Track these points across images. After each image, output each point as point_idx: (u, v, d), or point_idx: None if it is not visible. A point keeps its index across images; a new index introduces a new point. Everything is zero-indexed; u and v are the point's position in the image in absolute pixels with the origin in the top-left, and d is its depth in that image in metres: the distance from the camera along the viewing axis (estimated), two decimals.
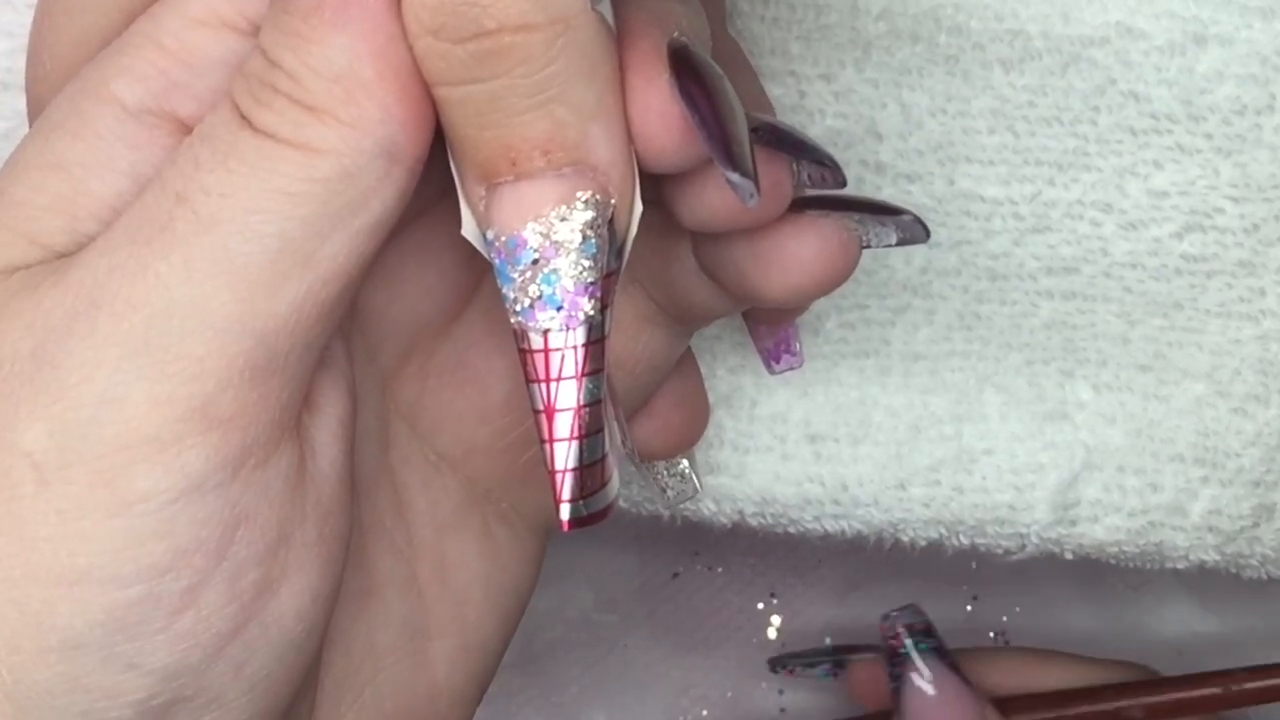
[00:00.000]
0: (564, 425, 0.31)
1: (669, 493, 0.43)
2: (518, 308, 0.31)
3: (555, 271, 0.30)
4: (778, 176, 0.33)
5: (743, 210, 0.32)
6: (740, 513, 0.45)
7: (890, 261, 0.43)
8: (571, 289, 0.31)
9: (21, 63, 0.36)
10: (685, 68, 0.31)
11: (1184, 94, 0.41)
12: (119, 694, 0.30)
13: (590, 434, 0.31)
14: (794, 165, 0.34)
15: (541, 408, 0.31)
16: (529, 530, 0.39)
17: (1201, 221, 0.42)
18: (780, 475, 0.44)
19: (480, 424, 0.37)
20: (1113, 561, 0.45)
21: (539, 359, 0.31)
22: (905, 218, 0.36)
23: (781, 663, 0.54)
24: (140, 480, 0.29)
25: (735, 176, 0.31)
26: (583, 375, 0.31)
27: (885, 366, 0.44)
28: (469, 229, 0.31)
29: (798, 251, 0.34)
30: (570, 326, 0.31)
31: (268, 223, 0.29)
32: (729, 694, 0.56)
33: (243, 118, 0.30)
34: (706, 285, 0.36)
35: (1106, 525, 0.44)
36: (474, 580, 0.38)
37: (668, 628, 0.56)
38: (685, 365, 0.41)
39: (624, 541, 0.56)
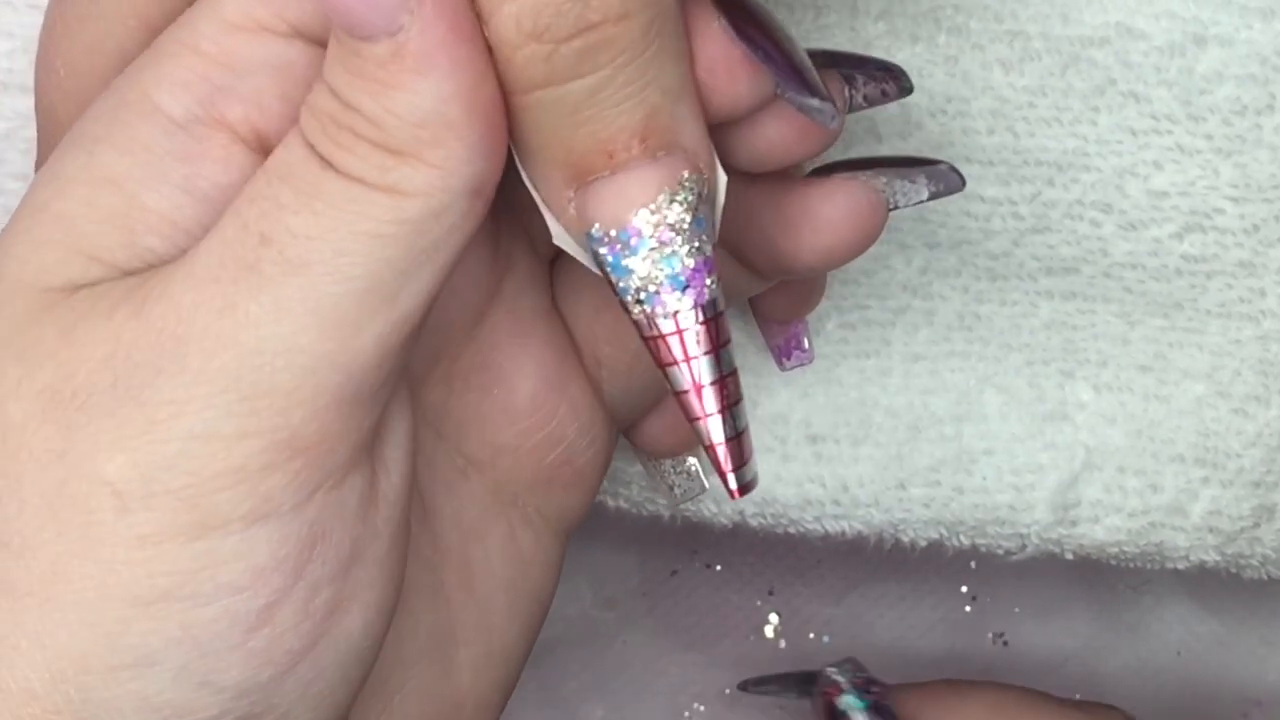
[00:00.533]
0: (712, 399, 0.32)
1: (676, 490, 0.43)
2: (642, 296, 0.31)
3: (675, 254, 0.31)
4: (839, 100, 0.34)
5: (801, 139, 0.33)
6: (741, 513, 0.45)
7: (891, 262, 0.43)
8: (693, 267, 0.31)
9: (21, 63, 0.36)
10: (735, 9, 0.31)
11: (1184, 94, 0.41)
12: (190, 711, 0.30)
13: (735, 402, 0.32)
14: (849, 90, 0.34)
15: (687, 387, 0.32)
16: (552, 534, 0.39)
17: (1201, 222, 0.42)
18: (781, 476, 0.44)
19: (506, 425, 0.37)
20: (1113, 562, 0.45)
21: (674, 341, 0.31)
22: (940, 167, 0.36)
23: (751, 685, 0.54)
24: (223, 506, 0.29)
25: (814, 101, 0.31)
26: (717, 348, 0.32)
27: (885, 367, 0.44)
28: (560, 236, 0.31)
29: (828, 214, 0.35)
30: (699, 303, 0.31)
31: (356, 265, 0.29)
32: (727, 691, 0.56)
33: (323, 159, 0.29)
34: (728, 263, 0.36)
35: (1107, 526, 0.44)
36: (499, 586, 0.38)
37: (667, 625, 0.56)
38: None
39: (623, 540, 0.56)
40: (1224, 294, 0.43)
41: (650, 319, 0.31)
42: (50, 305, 0.31)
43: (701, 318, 0.31)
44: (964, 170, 0.42)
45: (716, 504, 0.45)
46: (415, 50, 0.29)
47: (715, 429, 0.32)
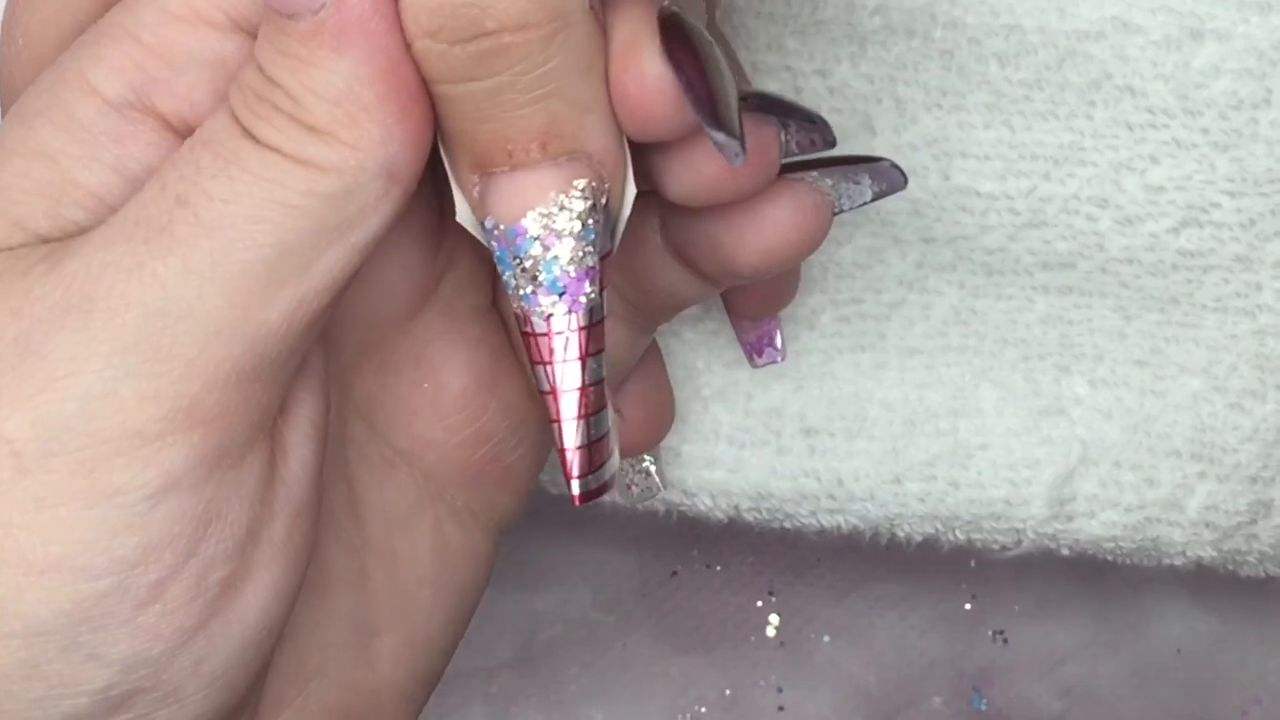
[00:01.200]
0: (570, 405, 0.32)
1: (633, 489, 0.43)
2: (521, 293, 0.32)
3: (556, 258, 0.31)
4: (765, 141, 0.33)
5: (732, 178, 0.33)
6: (736, 508, 0.45)
7: (886, 257, 0.43)
8: (573, 274, 0.31)
9: None
10: (675, 34, 0.31)
11: (1180, 89, 0.41)
12: (77, 683, 0.30)
13: (595, 412, 0.32)
14: (782, 134, 0.34)
15: (548, 389, 0.32)
16: (481, 530, 0.39)
17: (1198, 216, 0.42)
18: (776, 470, 0.44)
19: (436, 420, 0.38)
20: (1109, 557, 0.45)
21: (543, 342, 0.32)
22: (881, 164, 0.36)
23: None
24: (119, 473, 0.29)
25: (721, 136, 0.31)
26: (586, 356, 0.32)
27: (881, 361, 0.44)
28: (464, 215, 0.32)
29: (772, 214, 0.35)
30: (573, 310, 0.32)
31: (268, 233, 0.30)
32: (728, 692, 0.56)
33: (244, 129, 0.30)
34: (673, 269, 0.37)
35: (1103, 521, 0.44)
36: (423, 578, 0.38)
37: (666, 626, 0.56)
38: (650, 363, 0.41)
39: (623, 541, 0.56)
40: (1220, 289, 0.43)
41: (524, 315, 0.32)
42: None
43: (574, 325, 0.32)
44: (960, 165, 0.42)
45: (712, 499, 0.45)
46: (333, 27, 0.29)
47: (569, 434, 0.32)
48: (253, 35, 0.32)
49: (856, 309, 0.44)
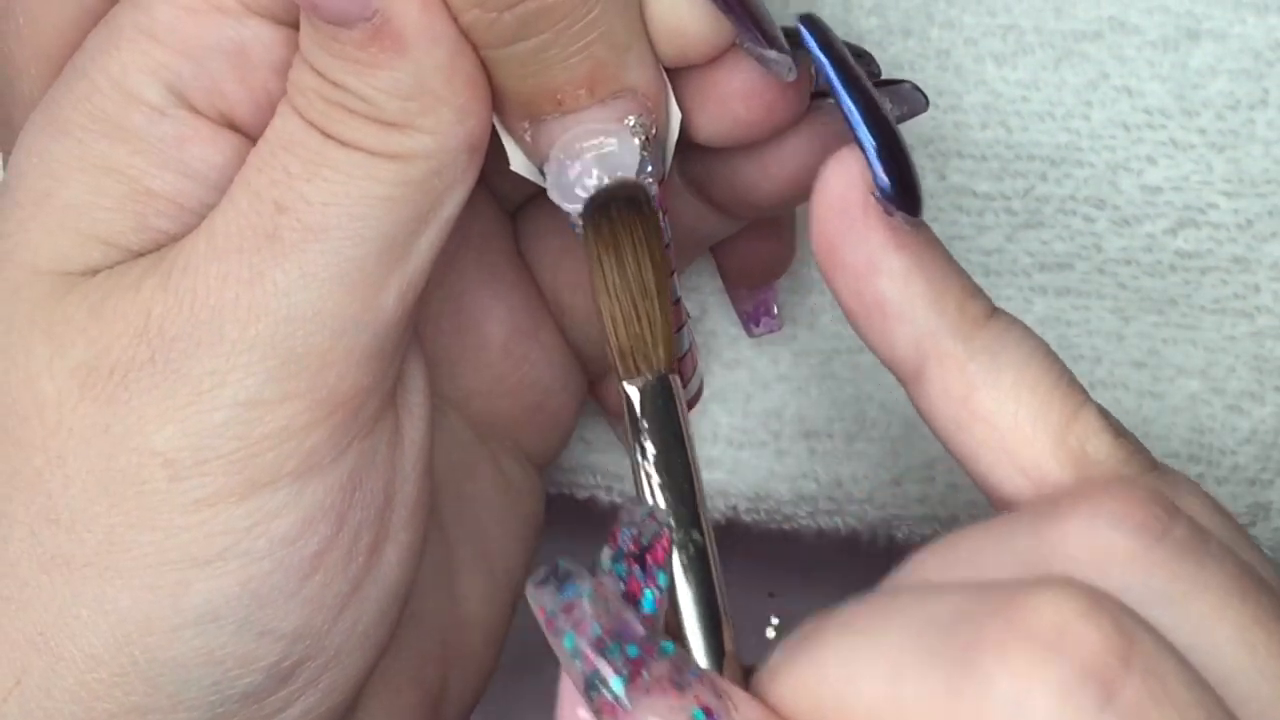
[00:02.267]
0: None
1: None
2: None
3: None
4: (802, 67, 0.34)
5: (766, 113, 0.33)
6: (734, 509, 0.45)
7: None
8: None
9: None
10: None
11: (1177, 89, 0.41)
12: (251, 660, 0.31)
13: (677, 330, 0.33)
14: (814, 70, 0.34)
15: None
16: (534, 467, 0.40)
17: (1195, 217, 0.42)
18: (775, 471, 0.44)
19: (480, 369, 0.39)
20: None
21: None
22: (902, 86, 0.36)
23: None
24: (270, 465, 0.31)
25: (772, 53, 0.32)
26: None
27: (880, 363, 0.44)
28: (518, 162, 0.33)
29: (792, 142, 0.35)
30: None
31: (370, 226, 0.31)
32: None
33: (322, 131, 0.31)
34: (691, 205, 0.37)
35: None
36: (492, 515, 0.39)
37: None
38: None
39: None
40: (1218, 290, 0.43)
41: None
42: (73, 286, 0.32)
43: None
44: (956, 165, 0.42)
45: (710, 500, 0.45)
46: (391, 32, 0.30)
47: None
48: (269, 18, 0.32)
49: None
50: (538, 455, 0.40)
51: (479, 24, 0.30)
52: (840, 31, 0.41)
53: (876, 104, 0.31)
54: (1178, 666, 0.25)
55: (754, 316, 0.43)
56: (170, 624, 0.31)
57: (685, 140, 0.35)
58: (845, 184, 0.31)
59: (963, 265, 0.43)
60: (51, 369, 0.31)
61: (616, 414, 0.42)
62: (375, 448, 0.32)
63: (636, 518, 0.30)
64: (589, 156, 0.32)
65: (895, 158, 0.31)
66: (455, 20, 0.30)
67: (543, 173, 0.33)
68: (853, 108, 0.31)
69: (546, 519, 0.45)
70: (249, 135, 0.32)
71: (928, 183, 0.42)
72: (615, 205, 0.32)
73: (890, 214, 0.31)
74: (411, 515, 0.34)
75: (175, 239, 0.32)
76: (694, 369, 0.34)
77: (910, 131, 0.42)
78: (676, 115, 0.33)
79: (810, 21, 0.32)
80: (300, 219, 0.30)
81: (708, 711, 0.27)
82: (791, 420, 0.44)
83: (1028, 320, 0.43)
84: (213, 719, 0.32)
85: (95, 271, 0.32)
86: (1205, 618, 0.27)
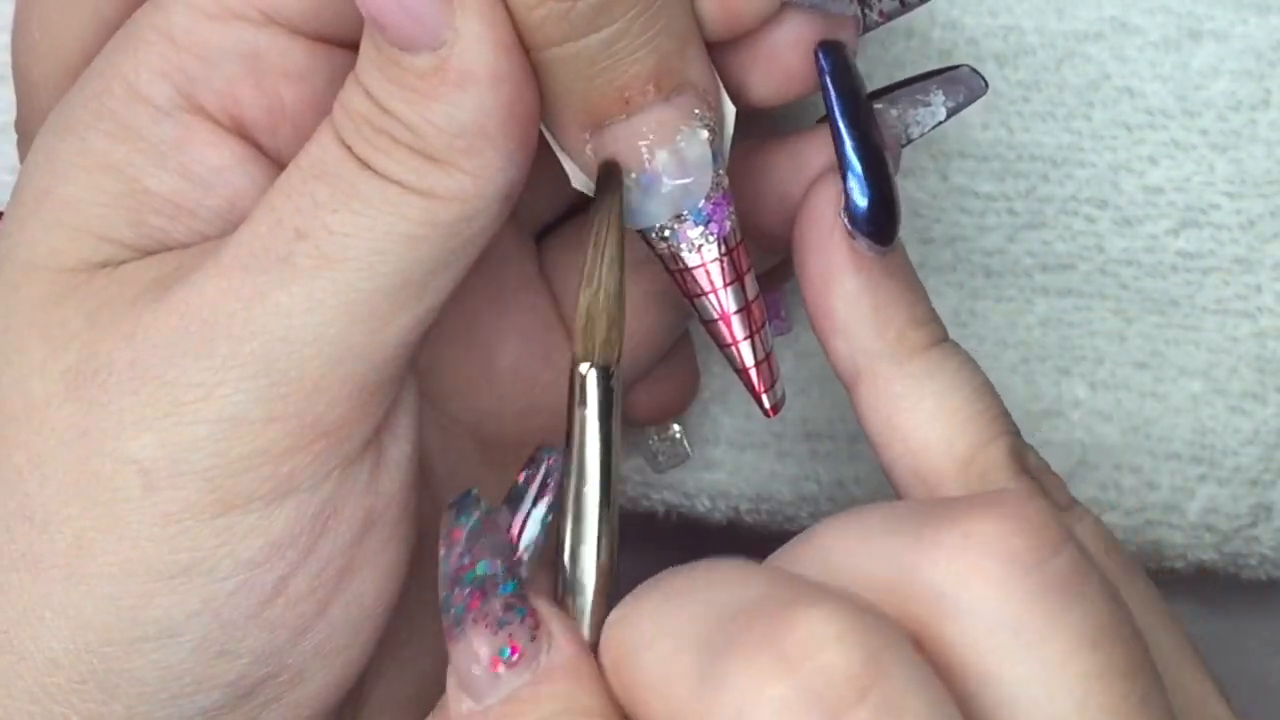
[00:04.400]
0: (741, 325, 0.33)
1: (660, 458, 0.43)
2: (666, 233, 0.32)
3: (695, 190, 0.32)
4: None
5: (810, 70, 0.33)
6: (736, 510, 0.45)
7: None
8: (713, 201, 0.32)
9: None
10: None
11: (1179, 89, 0.41)
12: (210, 678, 0.31)
13: (762, 327, 0.34)
14: (863, 9, 0.34)
15: (716, 316, 0.33)
16: None
17: (1197, 218, 0.42)
18: (776, 473, 0.44)
19: (489, 391, 0.38)
20: None
21: (699, 273, 0.33)
22: (959, 71, 0.36)
23: None
24: (245, 487, 0.30)
25: None
26: (743, 275, 0.33)
27: None
28: (579, 180, 0.32)
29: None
30: (720, 235, 0.32)
31: (389, 263, 0.30)
32: None
33: (360, 160, 0.30)
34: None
35: (1103, 523, 0.44)
36: None
37: None
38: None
39: (624, 546, 0.56)
40: (1220, 290, 0.43)
41: (675, 254, 0.33)
42: (72, 288, 0.31)
43: (724, 249, 0.33)
44: (958, 165, 0.42)
45: (711, 501, 0.45)
46: (458, 66, 0.29)
47: (747, 353, 0.34)
48: (287, 27, 0.32)
49: None
50: None
51: (552, 16, 0.29)
52: None
53: (875, 139, 0.32)
54: (925, 706, 0.25)
55: None
56: (129, 636, 0.31)
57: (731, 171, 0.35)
58: (825, 199, 0.33)
59: (964, 266, 0.43)
60: (44, 371, 0.31)
61: (634, 421, 0.42)
62: (357, 476, 0.32)
63: (540, 458, 0.31)
64: (663, 156, 0.31)
65: (879, 189, 0.32)
66: (521, 32, 0.30)
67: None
68: (845, 134, 0.32)
69: None
70: (258, 141, 0.32)
71: (929, 183, 0.42)
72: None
73: (853, 237, 0.32)
74: (392, 535, 0.33)
75: (171, 237, 0.32)
76: (779, 373, 0.34)
77: None
78: (731, 110, 0.33)
79: (829, 50, 0.32)
80: (318, 246, 0.30)
81: (514, 649, 0.29)
82: (793, 422, 0.44)
83: (1030, 320, 0.43)
84: None
85: (93, 269, 0.32)
86: (1049, 660, 0.26)
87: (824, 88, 0.32)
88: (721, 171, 0.32)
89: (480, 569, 0.30)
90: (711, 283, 0.33)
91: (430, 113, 0.29)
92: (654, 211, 0.32)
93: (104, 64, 0.32)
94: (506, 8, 0.29)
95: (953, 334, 0.44)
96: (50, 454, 0.31)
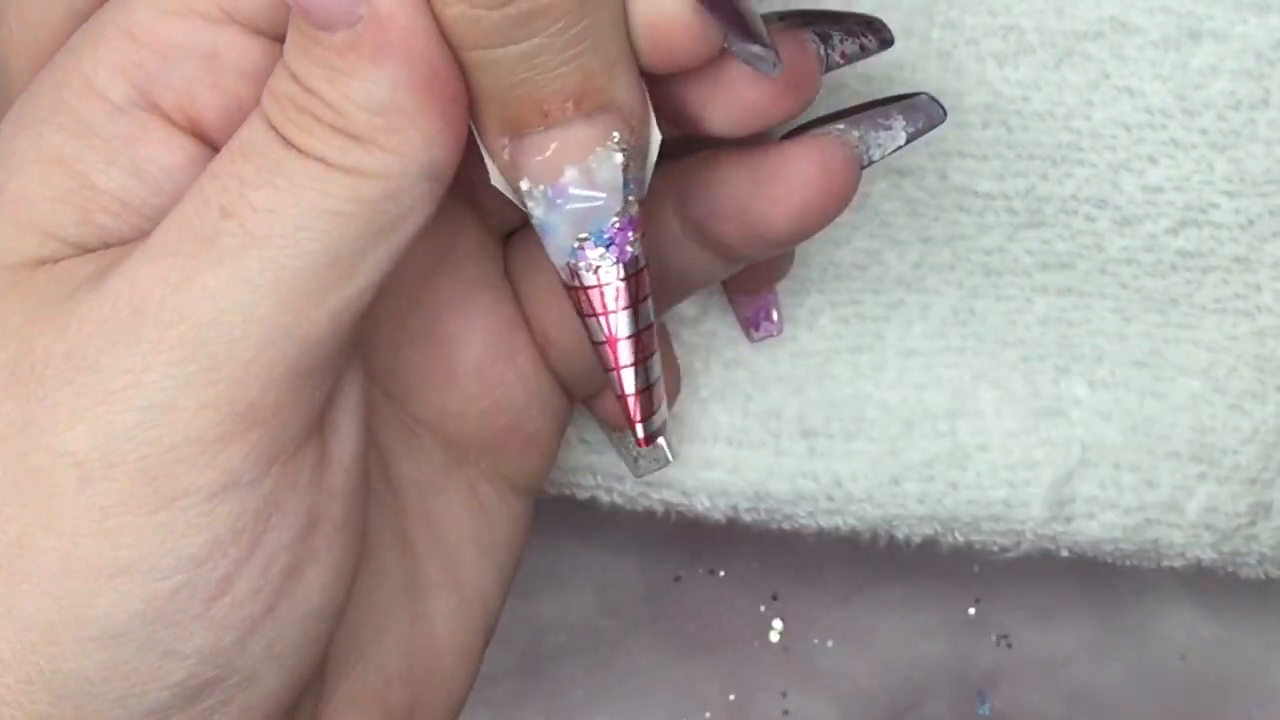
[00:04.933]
0: (626, 352, 0.33)
1: (640, 461, 0.43)
2: (566, 249, 0.32)
3: (600, 211, 0.32)
4: (799, 49, 0.34)
5: (776, 96, 0.33)
6: (734, 508, 0.45)
7: (884, 257, 0.43)
8: (618, 225, 0.32)
9: None
10: None
11: (1178, 89, 0.41)
12: (157, 678, 0.31)
13: (648, 357, 0.34)
14: (822, 48, 0.34)
15: (603, 339, 0.33)
16: (513, 492, 0.39)
17: (1196, 217, 0.42)
18: (774, 471, 0.44)
19: (452, 390, 0.38)
20: (1108, 559, 0.45)
21: (594, 294, 0.33)
22: (918, 99, 0.36)
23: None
24: (181, 478, 0.30)
25: (754, 48, 0.31)
26: (635, 303, 0.33)
27: (879, 362, 0.44)
28: (497, 179, 0.32)
29: (802, 169, 0.35)
30: (620, 260, 0.32)
31: (315, 239, 0.30)
32: (731, 697, 0.56)
33: (285, 139, 0.30)
34: (690, 250, 0.37)
35: (1102, 522, 0.44)
36: (464, 538, 0.38)
37: (670, 631, 0.56)
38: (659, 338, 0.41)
39: (625, 546, 0.56)
40: (1219, 289, 0.43)
41: (573, 271, 0.32)
42: (14, 284, 0.31)
43: (622, 274, 0.33)
44: (958, 164, 0.42)
45: (710, 499, 0.45)
46: (371, 41, 0.29)
47: (628, 380, 0.33)
48: (248, 27, 0.32)
49: (855, 310, 0.44)
50: (519, 479, 0.39)
51: (463, 20, 0.30)
52: None
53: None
54: None
55: (754, 322, 0.43)
56: (74, 636, 0.30)
57: (688, 178, 0.35)
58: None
59: (964, 265, 0.43)
60: None
61: (612, 424, 0.42)
62: (299, 471, 0.32)
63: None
64: (572, 174, 0.32)
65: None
66: (440, 29, 0.30)
67: (518, 190, 0.32)
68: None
69: (547, 520, 0.45)
70: (214, 141, 0.32)
71: (928, 182, 0.42)
72: None
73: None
74: (337, 534, 0.33)
75: (116, 235, 0.32)
76: (660, 402, 0.34)
77: None
78: (657, 138, 0.33)
79: None
80: (243, 225, 0.30)
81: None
82: (791, 420, 0.44)
83: (1029, 319, 0.44)
84: None
85: (36, 264, 0.32)
86: None
87: None
88: (632, 199, 0.32)
89: None
90: (604, 305, 0.33)
91: (349, 90, 0.30)
92: (557, 226, 0.32)
93: (65, 57, 0.32)
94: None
95: (952, 333, 0.44)
96: None
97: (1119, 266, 0.43)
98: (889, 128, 0.36)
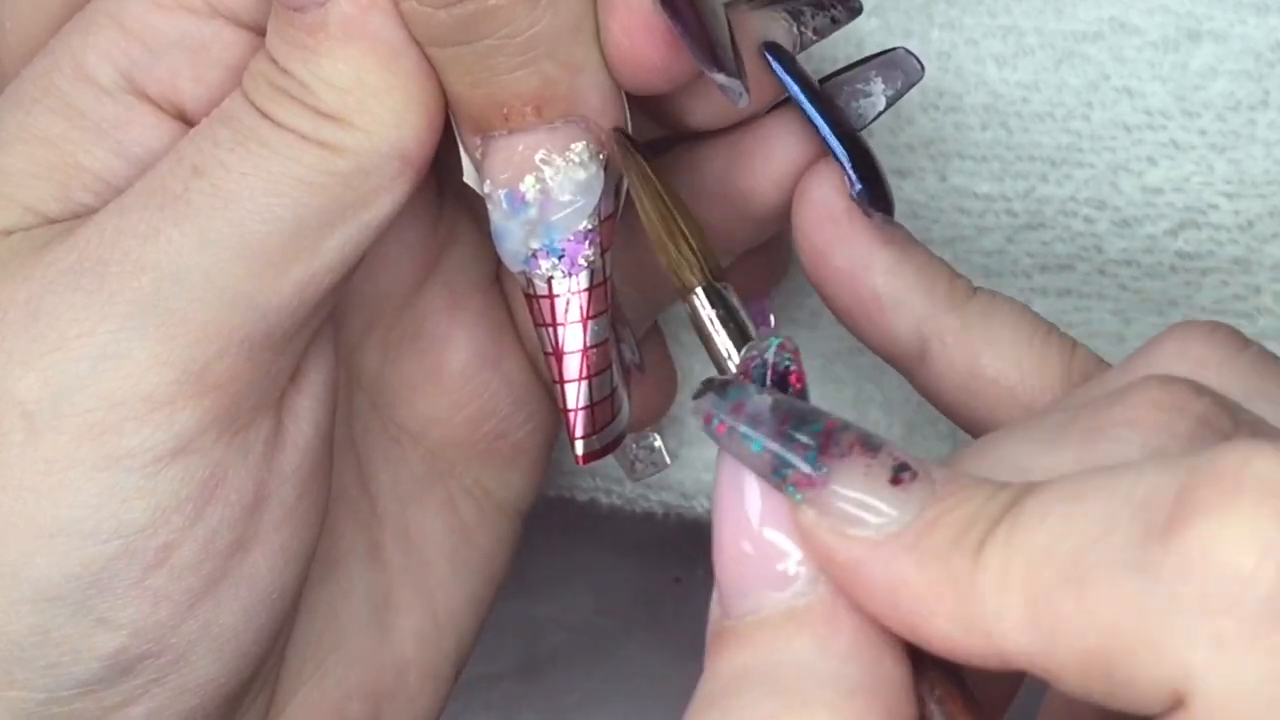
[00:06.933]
0: (573, 367, 0.33)
1: (638, 465, 0.43)
2: (521, 257, 0.32)
3: (554, 222, 0.32)
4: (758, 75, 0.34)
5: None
6: None
7: None
8: (571, 237, 0.32)
9: None
10: None
11: (1178, 90, 0.41)
12: (88, 648, 0.31)
13: (598, 373, 0.33)
14: (796, 27, 0.35)
15: (551, 350, 0.33)
16: (496, 508, 0.39)
17: (1196, 218, 0.42)
18: None
19: (438, 396, 0.38)
20: None
21: (545, 304, 0.32)
22: (894, 54, 0.36)
23: None
24: (129, 437, 0.30)
25: (720, 77, 0.31)
26: (587, 319, 0.33)
27: (881, 364, 0.44)
28: (470, 176, 0.33)
29: (780, 140, 0.35)
30: (573, 273, 0.32)
31: (285, 206, 0.30)
32: None
33: (262, 112, 0.31)
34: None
35: None
36: (440, 555, 0.38)
37: (669, 633, 0.56)
38: (651, 338, 0.41)
39: (624, 547, 0.56)
40: (1219, 291, 0.43)
41: (527, 278, 0.32)
42: None
43: (575, 287, 0.32)
44: (957, 166, 0.42)
45: (709, 501, 0.45)
46: (339, 19, 0.30)
47: (571, 395, 0.33)
48: (233, 21, 0.32)
49: None
50: (504, 495, 0.39)
51: (415, 17, 0.30)
52: (840, 33, 0.41)
53: (844, 118, 0.33)
54: None
55: None
56: (9, 598, 0.30)
57: (672, 168, 0.35)
58: (825, 193, 0.33)
59: (964, 267, 0.43)
60: None
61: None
62: (248, 445, 0.32)
63: (764, 349, 0.28)
64: (529, 181, 0.32)
65: (867, 165, 0.33)
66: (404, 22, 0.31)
67: (485, 199, 0.32)
68: (823, 125, 0.33)
69: (547, 521, 0.45)
70: None
71: (928, 184, 0.42)
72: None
73: (869, 215, 0.33)
74: (288, 518, 0.33)
75: (94, 213, 0.32)
76: (613, 414, 0.34)
77: (911, 132, 0.42)
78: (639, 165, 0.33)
79: (775, 50, 0.33)
80: (214, 183, 0.30)
81: (904, 466, 0.26)
82: None
83: None
84: (48, 702, 0.31)
85: (10, 232, 0.32)
86: None
87: (786, 85, 0.33)
88: (590, 211, 0.32)
89: (810, 415, 0.27)
90: (554, 317, 0.33)
91: (319, 68, 0.31)
92: (511, 233, 0.32)
93: (57, 43, 0.33)
94: None
95: None
96: None
97: (1118, 268, 0.43)
98: (869, 93, 0.36)
